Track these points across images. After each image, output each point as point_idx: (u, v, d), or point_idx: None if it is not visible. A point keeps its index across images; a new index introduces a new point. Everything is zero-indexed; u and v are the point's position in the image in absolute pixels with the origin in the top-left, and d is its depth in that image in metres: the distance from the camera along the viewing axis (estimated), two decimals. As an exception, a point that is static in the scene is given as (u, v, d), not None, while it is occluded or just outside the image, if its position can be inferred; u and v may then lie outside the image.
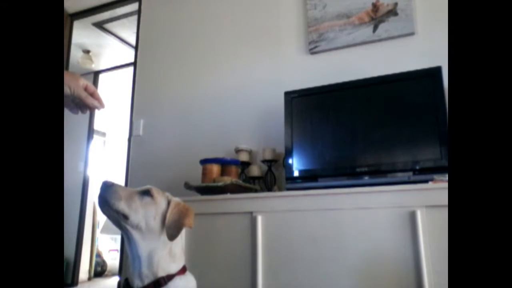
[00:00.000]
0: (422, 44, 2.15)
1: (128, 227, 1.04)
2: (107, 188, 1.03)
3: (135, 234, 1.04)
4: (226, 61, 2.71)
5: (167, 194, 1.15)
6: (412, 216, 1.52)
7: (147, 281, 1.03)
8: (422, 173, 1.67)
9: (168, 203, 1.10)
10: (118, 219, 1.04)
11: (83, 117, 4.73)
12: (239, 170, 2.23)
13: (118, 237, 4.52)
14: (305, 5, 2.50)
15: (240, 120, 2.55)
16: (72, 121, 4.42)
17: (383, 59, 2.22)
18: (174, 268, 1.07)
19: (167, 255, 1.06)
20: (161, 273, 1.04)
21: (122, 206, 1.02)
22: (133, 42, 3.38)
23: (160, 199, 1.09)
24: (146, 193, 1.08)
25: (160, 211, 1.07)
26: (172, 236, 1.04)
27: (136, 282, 1.03)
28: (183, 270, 1.10)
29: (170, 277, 1.05)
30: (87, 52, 4.34)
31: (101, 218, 4.80)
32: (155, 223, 1.06)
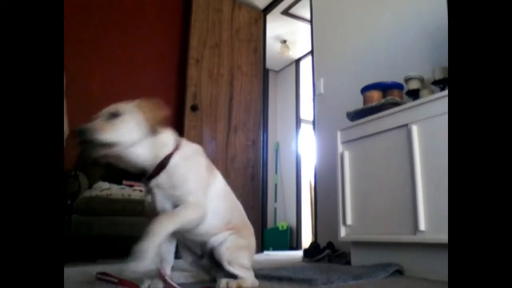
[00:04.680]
0: None
1: (120, 152, 1.10)
2: (86, 133, 1.05)
3: (130, 151, 1.13)
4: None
5: (130, 103, 1.18)
6: None
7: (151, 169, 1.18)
8: None
9: (135, 110, 1.15)
10: (106, 152, 1.08)
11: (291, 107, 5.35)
12: (403, 95, 2.08)
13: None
14: None
15: (408, 48, 2.36)
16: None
17: None
18: (167, 149, 1.19)
19: (156, 145, 1.17)
20: (159, 157, 1.17)
21: (105, 137, 1.06)
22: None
23: (128, 113, 1.14)
24: (113, 115, 1.12)
25: (134, 122, 1.13)
26: (155, 131, 1.16)
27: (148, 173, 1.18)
28: (177, 145, 1.22)
29: (168, 157, 1.18)
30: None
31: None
32: (137, 133, 1.13)
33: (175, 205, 1.17)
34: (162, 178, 1.17)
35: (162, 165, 1.17)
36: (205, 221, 1.22)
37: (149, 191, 1.21)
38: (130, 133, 1.12)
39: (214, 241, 1.26)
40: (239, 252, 1.26)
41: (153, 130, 1.15)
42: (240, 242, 1.28)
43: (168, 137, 1.23)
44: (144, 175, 1.20)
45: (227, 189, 1.37)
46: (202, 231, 1.25)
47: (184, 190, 1.17)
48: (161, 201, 1.19)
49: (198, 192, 1.20)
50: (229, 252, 1.23)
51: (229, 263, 1.22)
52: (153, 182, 1.18)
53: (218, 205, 1.28)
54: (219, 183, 1.32)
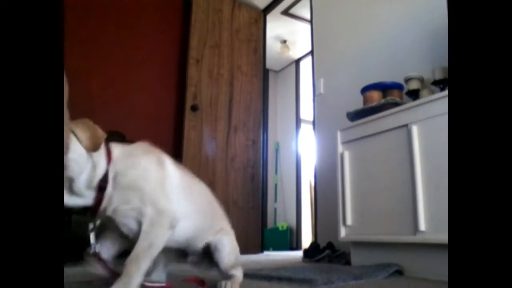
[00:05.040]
0: None
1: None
2: None
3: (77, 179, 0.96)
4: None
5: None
6: None
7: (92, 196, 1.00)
8: None
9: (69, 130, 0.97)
10: None
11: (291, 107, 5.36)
12: (403, 95, 2.08)
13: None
14: None
15: (408, 49, 2.36)
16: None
17: None
18: (102, 166, 1.00)
19: (93, 167, 0.99)
20: (97, 179, 0.99)
21: None
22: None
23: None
24: None
25: (73, 140, 0.96)
26: (96, 147, 0.98)
27: (89, 201, 1.00)
28: (108, 156, 1.03)
29: (105, 179, 1.00)
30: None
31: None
32: (78, 147, 0.96)
33: (138, 219, 1.02)
34: (109, 201, 1.00)
35: (101, 188, 1.00)
36: (180, 227, 1.09)
37: (105, 221, 1.06)
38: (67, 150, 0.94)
39: (209, 243, 1.25)
40: (236, 252, 1.30)
41: (93, 149, 0.97)
42: (233, 240, 1.30)
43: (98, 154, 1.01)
44: (88, 209, 1.02)
45: (186, 183, 1.20)
46: (182, 239, 1.18)
47: (136, 201, 1.01)
48: (124, 224, 1.04)
49: (155, 195, 1.03)
50: (231, 258, 1.26)
51: (232, 267, 1.26)
52: (101, 213, 1.02)
53: (188, 206, 1.16)
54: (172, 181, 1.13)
